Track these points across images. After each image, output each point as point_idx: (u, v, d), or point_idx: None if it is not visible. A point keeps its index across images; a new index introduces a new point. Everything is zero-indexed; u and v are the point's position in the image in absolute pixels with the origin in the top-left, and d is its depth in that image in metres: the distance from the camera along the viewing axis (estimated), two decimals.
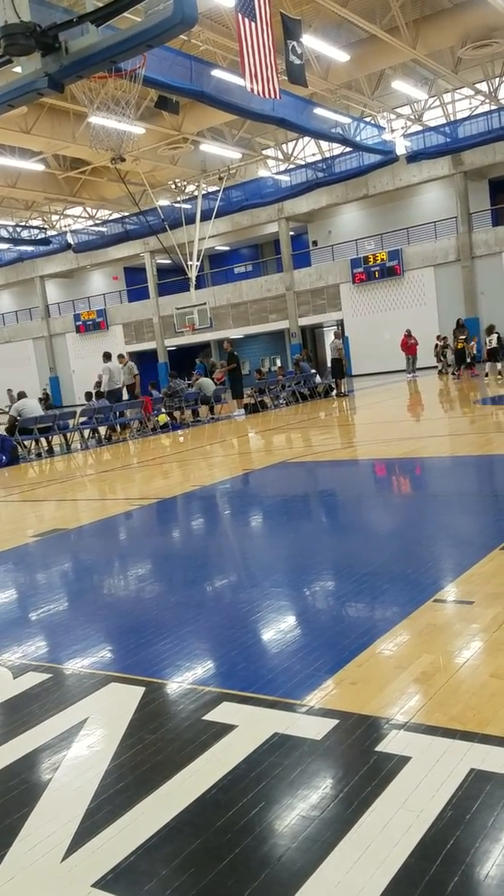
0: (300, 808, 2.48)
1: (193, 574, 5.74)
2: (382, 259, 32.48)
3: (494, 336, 21.87)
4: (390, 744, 2.77)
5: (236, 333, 36.68)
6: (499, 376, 21.15)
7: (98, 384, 21.02)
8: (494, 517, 6.75)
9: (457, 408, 16.49)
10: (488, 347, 21.86)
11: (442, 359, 26.66)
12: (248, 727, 3.04)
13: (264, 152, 29.73)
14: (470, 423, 13.53)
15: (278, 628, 4.25)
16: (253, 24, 13.33)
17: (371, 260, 32.82)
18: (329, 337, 37.94)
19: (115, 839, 2.45)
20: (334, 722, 2.98)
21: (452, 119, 27.64)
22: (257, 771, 2.71)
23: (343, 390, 22.72)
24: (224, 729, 3.04)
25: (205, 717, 3.16)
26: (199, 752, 2.89)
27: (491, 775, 2.49)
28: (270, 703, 3.23)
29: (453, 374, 24.42)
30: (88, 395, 20.41)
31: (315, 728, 2.96)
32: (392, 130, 26.68)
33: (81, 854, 2.40)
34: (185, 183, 30.55)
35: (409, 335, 26.58)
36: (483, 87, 25.42)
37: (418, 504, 7.75)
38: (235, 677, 3.59)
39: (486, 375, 21.71)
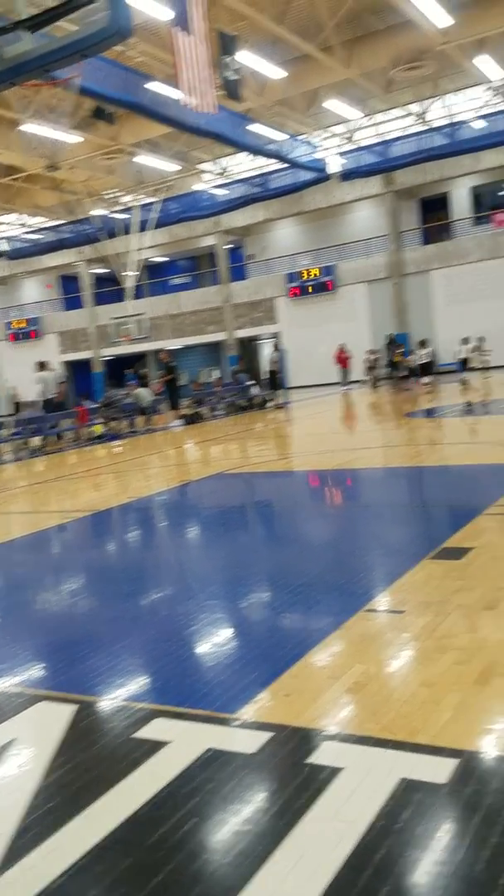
0: (233, 822, 2.47)
1: (129, 588, 5.67)
2: (317, 274, 32.98)
3: (426, 350, 22.48)
4: (323, 755, 2.79)
5: (174, 344, 36.57)
6: (431, 390, 21.67)
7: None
8: (424, 526, 6.91)
9: (389, 420, 16.82)
10: (421, 362, 22.44)
11: (371, 373, 27.21)
12: (182, 743, 3.01)
13: (200, 166, 29.84)
14: (401, 435, 13.83)
15: (214, 641, 4.24)
16: (189, 38, 13.39)
17: (306, 275, 33.28)
18: (266, 349, 38.23)
19: (45, 860, 2.39)
20: (268, 735, 2.98)
21: (384, 139, 28.32)
22: (190, 787, 2.69)
23: (279, 402, 22.90)
24: (157, 746, 3.00)
25: (137, 735, 3.12)
26: (131, 770, 2.85)
27: (421, 784, 2.53)
28: (205, 717, 3.21)
29: (396, 383, 24.94)
30: (17, 406, 20.02)
31: (249, 742, 2.96)
32: (326, 149, 27.15)
33: (9, 877, 2.34)
34: (122, 193, 30.39)
35: (342, 349, 27.04)
36: (414, 108, 26.11)
37: (352, 514, 7.86)
38: (170, 692, 3.56)
39: (425, 386, 22.16)
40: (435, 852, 2.21)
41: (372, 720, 3.00)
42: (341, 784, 2.59)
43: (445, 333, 30.12)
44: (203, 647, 4.17)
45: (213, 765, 2.81)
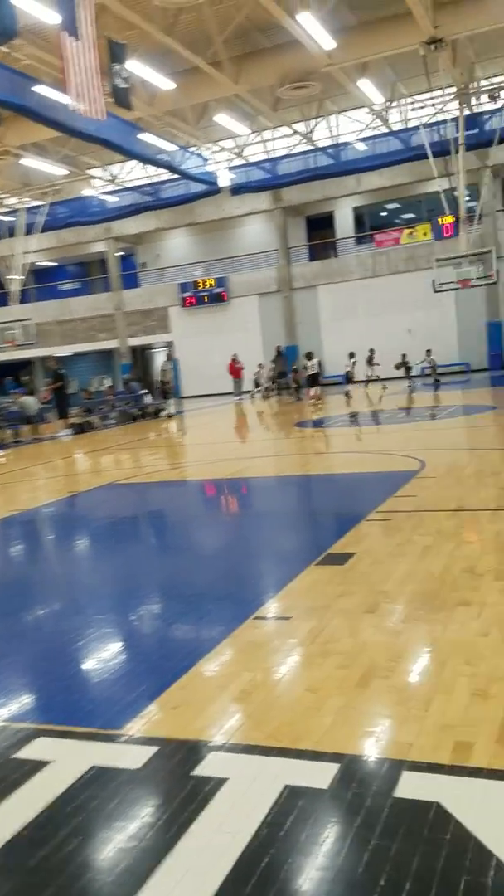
0: (117, 839, 2.44)
1: (12, 605, 5.47)
2: (210, 285, 33.17)
3: (314, 362, 22.96)
4: (208, 766, 2.80)
5: (63, 351, 35.72)
6: (318, 401, 22.13)
7: None
8: (311, 533, 7.07)
9: (279, 430, 17.10)
10: (309, 373, 22.89)
11: (260, 384, 27.61)
12: (65, 762, 2.94)
13: (90, 171, 29.40)
14: (290, 444, 14.08)
15: (101, 656, 4.16)
16: (77, 43, 13.21)
17: (199, 285, 33.40)
18: (160, 358, 38.00)
19: None
20: (154, 749, 2.96)
21: (272, 156, 28.91)
22: (72, 806, 2.63)
23: (171, 411, 22.80)
24: (38, 766, 2.91)
25: (17, 756, 3.02)
26: (10, 792, 2.75)
27: (304, 790, 2.58)
28: (89, 735, 3.15)
29: (291, 395, 25.28)
30: None
31: (134, 757, 2.92)
32: (216, 162, 27.41)
33: None
34: (7, 195, 29.48)
35: (235, 360, 27.29)
36: (300, 127, 26.78)
37: (243, 523, 7.93)
38: (53, 711, 3.47)
39: (312, 397, 22.49)
40: (317, 857, 2.25)
41: (257, 728, 3.03)
42: (226, 794, 2.60)
43: (331, 347, 31.01)
44: (90, 663, 4.09)
45: (96, 782, 2.76)
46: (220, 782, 2.67)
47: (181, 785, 2.69)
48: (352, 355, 22.66)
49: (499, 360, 28.67)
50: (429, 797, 2.46)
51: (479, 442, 11.75)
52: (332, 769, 2.67)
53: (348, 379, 22.58)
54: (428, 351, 24.01)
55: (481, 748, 2.72)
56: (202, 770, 2.77)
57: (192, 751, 2.92)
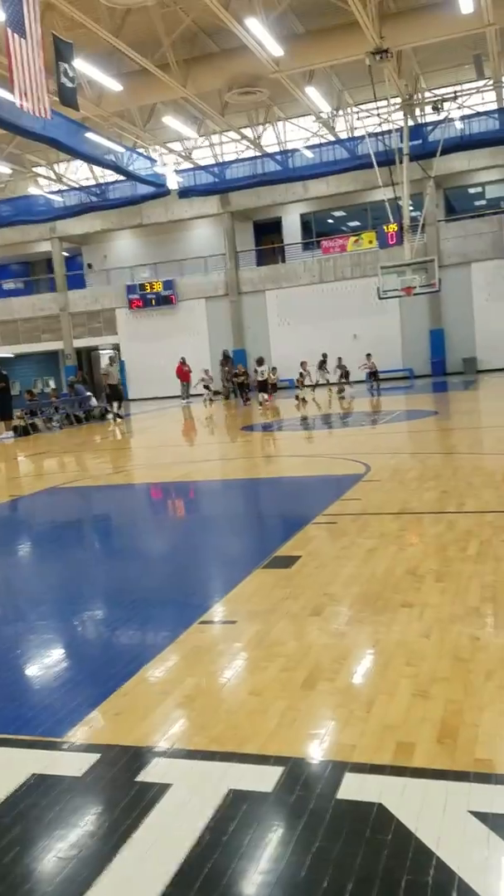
0: (57, 848, 2.39)
1: None
2: (158, 288, 32.99)
3: (264, 368, 22.91)
4: (151, 772, 2.77)
5: (5, 352, 35.06)
6: (266, 405, 22.18)
7: None
8: (258, 537, 7.09)
9: (226, 434, 17.10)
10: (260, 379, 22.77)
11: (206, 388, 27.53)
12: (4, 770, 2.88)
13: (35, 170, 28.99)
14: (238, 448, 14.10)
15: (43, 663, 4.09)
16: (23, 41, 12.99)
17: (147, 287, 33.18)
18: (106, 360, 37.56)
19: None
20: (96, 756, 2.92)
21: (221, 160, 28.97)
22: (11, 815, 2.57)
23: (117, 414, 22.53)
24: None
25: None
26: None
27: (248, 794, 2.58)
28: (29, 743, 3.09)
29: (243, 400, 25.19)
30: None
31: (76, 764, 2.87)
32: (164, 164, 27.31)
33: None
34: None
35: (183, 363, 27.19)
36: (248, 132, 26.92)
37: (189, 527, 7.90)
38: None
39: (261, 404, 22.32)
40: (260, 861, 2.25)
41: (201, 733, 3.02)
42: (169, 800, 2.58)
43: (279, 351, 31.21)
44: (31, 671, 4.01)
45: (37, 791, 2.71)
46: (164, 788, 2.65)
47: (124, 792, 2.66)
48: (303, 365, 22.68)
49: (440, 366, 29.28)
50: (371, 798, 2.49)
51: (422, 446, 11.97)
52: (276, 772, 2.68)
53: (300, 383, 22.64)
54: (368, 355, 24.53)
55: (422, 748, 2.76)
56: (145, 776, 2.75)
57: (134, 757, 2.89)
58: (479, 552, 5.26)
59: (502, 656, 3.51)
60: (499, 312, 28.33)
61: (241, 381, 24.65)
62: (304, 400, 21.53)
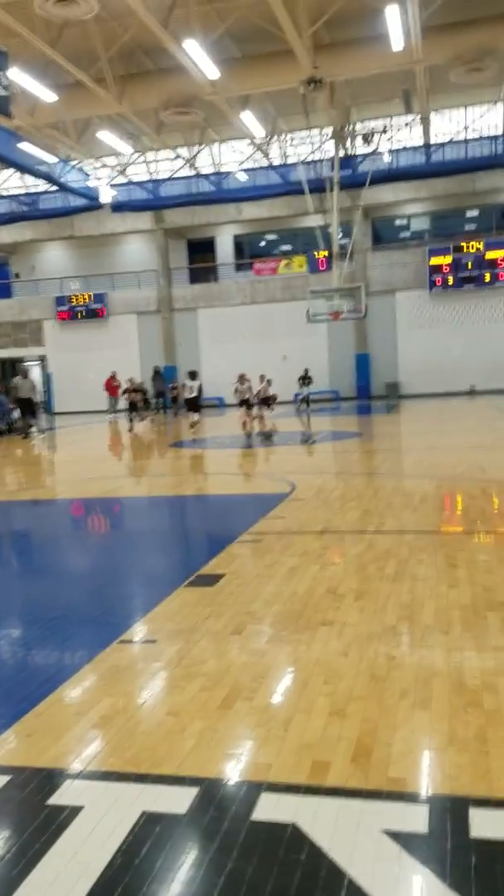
0: None
1: None
2: (87, 300, 32.62)
3: (195, 384, 22.39)
4: (64, 795, 2.70)
5: None
6: (194, 424, 21.98)
7: None
8: (182, 554, 7.05)
9: (154, 450, 16.97)
10: (187, 396, 22.27)
11: (134, 406, 27.24)
12: None
13: None
14: (165, 464, 14.01)
15: None
16: None
17: (76, 300, 32.77)
18: (35, 372, 36.76)
19: None
20: (6, 779, 2.82)
21: (155, 177, 29.02)
22: None
23: (34, 428, 21.86)
24: None
25: None
26: None
27: (161, 816, 2.54)
28: None
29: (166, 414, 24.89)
30: None
31: None
32: (98, 178, 27.16)
33: None
34: None
35: (113, 377, 26.87)
36: (183, 152, 27.07)
37: (113, 544, 7.78)
38: None
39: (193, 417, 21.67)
40: (172, 883, 2.22)
41: (116, 755, 2.96)
42: (81, 823, 2.52)
43: (210, 369, 31.26)
44: None
45: None
46: (76, 811, 2.59)
47: (34, 814, 2.58)
48: (242, 380, 22.20)
49: (365, 390, 29.93)
50: (285, 818, 2.49)
51: (345, 466, 12.18)
52: (191, 793, 2.65)
53: (242, 402, 21.83)
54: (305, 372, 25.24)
55: (337, 767, 2.79)
56: (57, 799, 2.67)
57: (46, 779, 2.81)
58: (396, 571, 5.37)
59: (416, 675, 3.58)
60: (420, 340, 29.22)
61: (174, 396, 24.35)
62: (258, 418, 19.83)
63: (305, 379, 25.23)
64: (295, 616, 4.53)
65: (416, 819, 2.46)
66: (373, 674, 3.61)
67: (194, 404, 19.63)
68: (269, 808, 2.55)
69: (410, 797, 2.59)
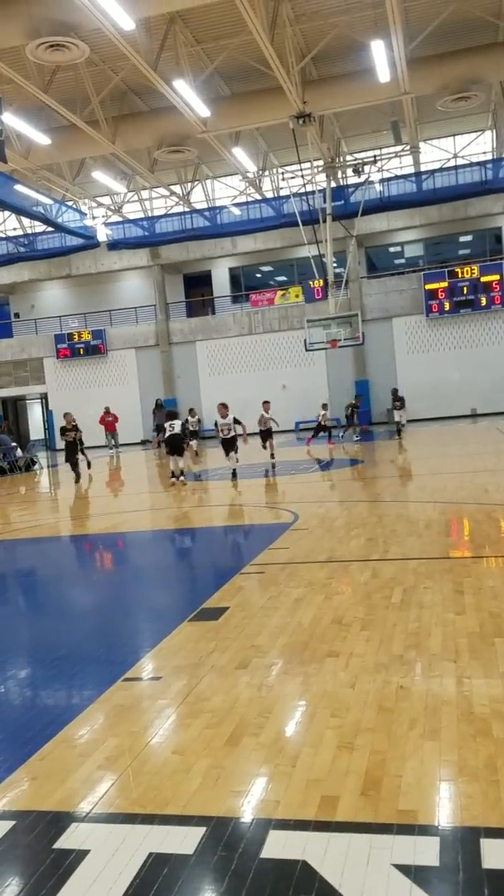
0: None
1: None
2: (87, 337, 32.92)
3: (177, 423, 21.95)
4: (70, 838, 2.66)
5: None
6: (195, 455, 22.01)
7: None
8: (186, 588, 7.01)
9: (156, 484, 16.96)
10: (193, 429, 22.09)
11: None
12: None
13: None
14: (168, 498, 13.99)
15: None
16: None
17: (76, 337, 33.07)
18: (35, 409, 37.01)
19: None
20: (10, 823, 2.79)
21: (150, 214, 29.45)
22: None
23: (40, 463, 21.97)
24: None
25: None
26: None
27: (169, 857, 2.50)
28: None
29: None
30: None
31: None
32: (93, 217, 27.56)
33: None
34: None
35: (107, 412, 27.00)
36: (177, 188, 27.49)
37: (116, 580, 7.75)
38: None
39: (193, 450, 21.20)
40: None
41: (122, 796, 2.92)
42: (88, 867, 2.48)
43: (210, 401, 31.39)
44: None
45: None
46: (82, 854, 2.55)
47: (40, 859, 2.54)
48: (325, 405, 21.83)
49: (365, 416, 29.95)
50: (295, 855, 2.45)
51: (348, 494, 12.15)
52: (198, 833, 2.61)
53: (321, 427, 21.33)
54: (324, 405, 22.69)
55: (346, 802, 2.75)
56: (63, 842, 2.63)
57: (52, 823, 2.78)
58: (402, 600, 5.34)
59: (425, 704, 3.54)
60: (419, 365, 29.34)
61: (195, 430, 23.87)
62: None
63: (398, 400, 22.56)
64: (301, 648, 4.49)
65: (428, 852, 2.42)
66: (380, 705, 3.57)
67: (193, 435, 18.59)
68: (278, 846, 2.51)
69: (421, 830, 2.55)
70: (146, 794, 2.92)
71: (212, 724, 3.50)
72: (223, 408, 15.00)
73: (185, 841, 2.57)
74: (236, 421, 14.78)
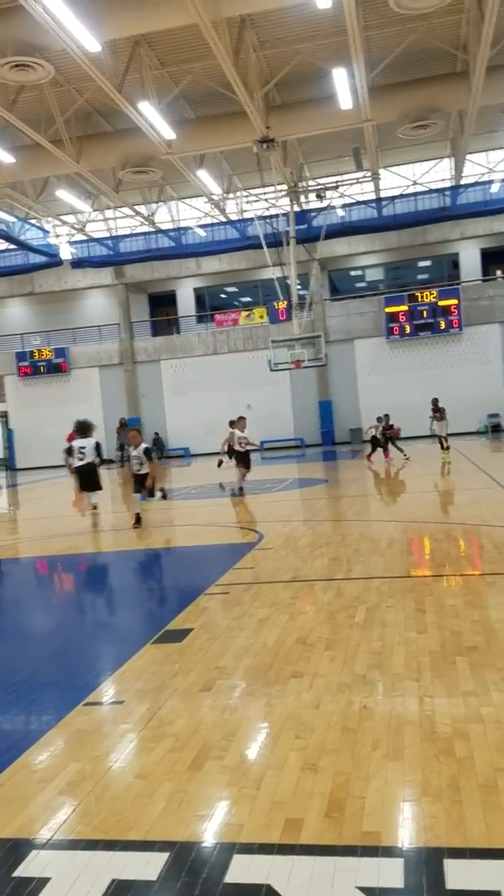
0: None
1: None
2: (49, 355, 32.66)
3: (89, 443, 21.02)
4: (30, 866, 2.60)
5: None
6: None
7: None
8: (150, 610, 6.94)
9: (117, 503, 16.82)
10: (80, 464, 21.09)
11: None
12: None
13: None
14: (130, 518, 13.86)
15: None
16: None
17: (37, 355, 32.79)
18: None
19: None
20: None
21: (115, 234, 29.49)
22: None
23: None
24: None
25: None
26: None
27: (131, 883, 2.46)
28: None
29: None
30: None
31: None
32: (57, 235, 27.49)
33: None
34: None
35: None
36: (142, 209, 27.59)
37: (77, 602, 7.64)
38: None
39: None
40: None
41: (83, 822, 2.87)
42: (49, 895, 2.43)
43: (174, 420, 31.43)
44: None
45: None
46: (43, 882, 2.49)
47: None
48: (380, 419, 19.61)
49: (329, 436, 30.22)
50: (259, 879, 2.43)
51: (313, 514, 12.20)
52: (161, 859, 2.58)
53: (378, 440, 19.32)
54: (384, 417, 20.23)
55: (311, 824, 2.74)
56: (23, 871, 2.57)
57: (12, 850, 2.71)
58: (366, 619, 5.37)
59: (388, 724, 3.56)
60: (380, 386, 29.74)
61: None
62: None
63: (438, 411, 20.15)
64: (265, 669, 4.48)
65: (392, 873, 2.42)
66: (344, 725, 3.57)
67: (90, 479, 12.22)
68: (242, 871, 2.49)
69: (385, 851, 2.55)
70: (108, 819, 2.87)
71: (175, 747, 3.46)
72: (242, 421, 14.92)
73: (148, 867, 2.53)
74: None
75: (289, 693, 4.05)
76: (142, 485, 11.76)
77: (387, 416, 19.84)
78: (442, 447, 20.24)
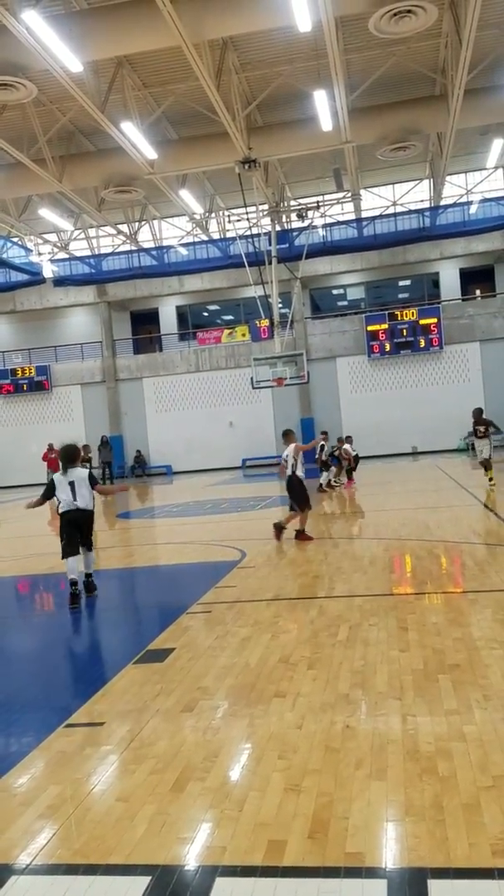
0: None
1: None
2: (31, 373, 32.54)
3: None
4: (9, 893, 2.56)
5: None
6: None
7: None
8: (131, 630, 6.89)
9: (100, 521, 16.72)
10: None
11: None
12: None
13: None
14: (113, 536, 13.80)
15: None
16: None
17: (19, 373, 32.66)
18: None
19: None
20: None
21: (97, 252, 29.55)
22: None
23: None
24: None
25: None
26: None
27: None
28: None
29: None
30: None
31: None
32: (39, 254, 27.48)
33: None
34: None
35: (50, 449, 26.63)
36: (125, 228, 27.69)
37: (57, 622, 7.55)
38: None
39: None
40: None
41: (64, 846, 2.83)
42: None
43: (156, 437, 31.38)
44: None
45: None
46: None
47: None
48: (341, 439, 19.68)
49: (311, 454, 30.20)
50: None
51: (294, 532, 12.16)
52: (143, 882, 2.55)
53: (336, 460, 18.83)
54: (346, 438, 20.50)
55: (294, 845, 2.72)
56: None
57: None
58: (348, 637, 5.36)
59: (371, 744, 3.55)
60: (362, 403, 29.92)
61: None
62: None
63: (482, 424, 15.41)
64: (248, 689, 4.45)
65: (375, 894, 2.40)
66: (327, 745, 3.56)
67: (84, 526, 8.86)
68: (226, 894, 2.47)
69: (369, 872, 2.54)
70: (89, 843, 2.83)
71: (157, 769, 3.43)
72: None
73: (129, 891, 2.50)
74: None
75: (272, 713, 4.03)
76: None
77: (349, 437, 20.13)
78: (486, 471, 15.05)
